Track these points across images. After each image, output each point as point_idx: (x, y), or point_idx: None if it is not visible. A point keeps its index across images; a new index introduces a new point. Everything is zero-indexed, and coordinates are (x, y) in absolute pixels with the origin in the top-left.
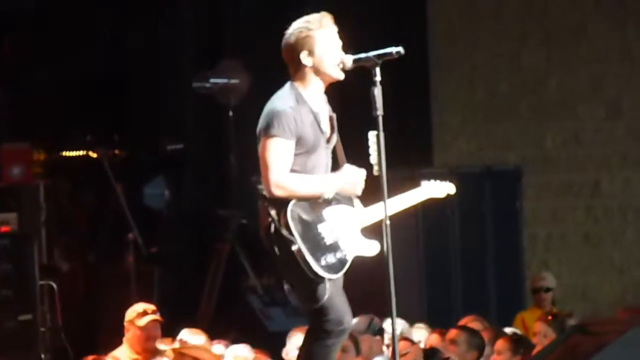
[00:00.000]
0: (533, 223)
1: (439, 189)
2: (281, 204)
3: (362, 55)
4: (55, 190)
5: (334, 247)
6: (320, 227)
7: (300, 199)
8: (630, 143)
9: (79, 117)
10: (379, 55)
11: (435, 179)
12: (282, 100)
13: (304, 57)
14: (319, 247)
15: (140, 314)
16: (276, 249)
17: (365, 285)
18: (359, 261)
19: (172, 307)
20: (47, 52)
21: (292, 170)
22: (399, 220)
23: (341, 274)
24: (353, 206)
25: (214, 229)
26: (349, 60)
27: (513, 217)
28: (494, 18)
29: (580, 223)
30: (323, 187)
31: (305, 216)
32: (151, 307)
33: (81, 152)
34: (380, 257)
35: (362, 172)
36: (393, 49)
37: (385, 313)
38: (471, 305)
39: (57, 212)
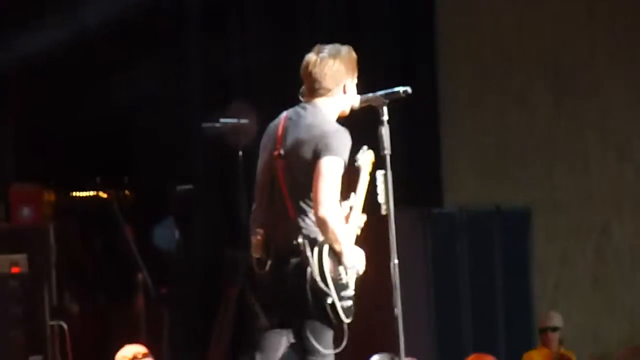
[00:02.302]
0: (543, 264)
1: (368, 160)
2: (317, 244)
3: (370, 94)
4: (65, 231)
5: (347, 286)
6: (340, 268)
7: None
8: None
9: (89, 158)
10: (386, 95)
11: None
12: (334, 123)
13: (349, 82)
14: (339, 291)
15: None
16: (307, 294)
17: (375, 323)
18: (368, 301)
19: (182, 348)
20: (57, 94)
21: None
22: (409, 259)
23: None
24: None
25: (224, 271)
26: (357, 99)
27: (523, 258)
28: (504, 59)
29: (590, 265)
30: (348, 250)
31: (332, 260)
32: (141, 350)
33: (91, 193)
34: (390, 295)
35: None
36: (401, 89)
37: (395, 351)
38: (480, 345)
39: (67, 253)
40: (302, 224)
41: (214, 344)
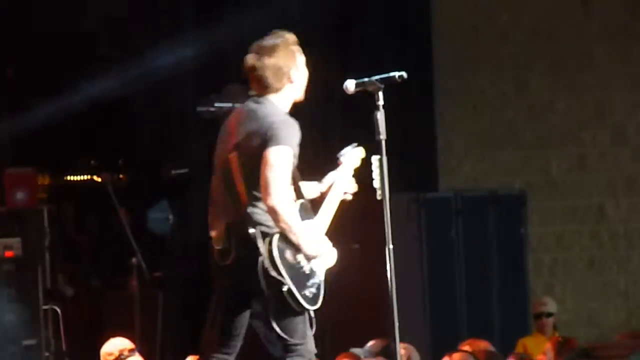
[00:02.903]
0: (538, 248)
1: (355, 157)
2: (268, 235)
3: (365, 79)
4: (60, 215)
5: (311, 275)
6: (299, 257)
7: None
8: (635, 168)
9: (83, 141)
10: (381, 80)
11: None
12: (282, 114)
13: (293, 71)
14: (301, 279)
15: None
16: (263, 285)
17: (370, 309)
18: (363, 285)
19: (176, 331)
20: (51, 79)
21: None
22: (403, 244)
23: (320, 301)
24: (313, 215)
25: None
26: (351, 84)
27: (518, 242)
28: (499, 44)
29: (585, 248)
30: (305, 238)
31: (287, 249)
32: (127, 346)
33: (85, 177)
34: (385, 281)
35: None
36: (396, 73)
37: (390, 337)
38: (475, 329)
39: (61, 237)
40: (255, 213)
41: (208, 327)
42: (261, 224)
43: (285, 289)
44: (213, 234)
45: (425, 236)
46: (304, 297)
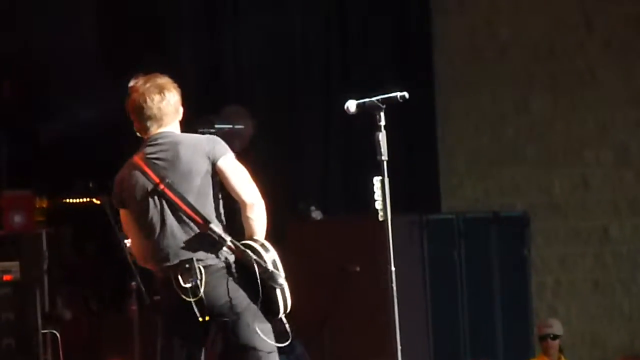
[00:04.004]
0: (541, 270)
1: None
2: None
3: (366, 100)
4: (58, 238)
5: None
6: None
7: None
8: (639, 189)
9: (82, 164)
10: (382, 100)
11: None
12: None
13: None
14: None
15: None
16: (252, 289)
17: (371, 330)
18: (365, 307)
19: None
20: (48, 99)
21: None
22: (405, 265)
23: None
24: None
25: None
26: (352, 104)
27: (521, 264)
28: (500, 64)
29: (589, 270)
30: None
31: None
32: None
33: (84, 199)
34: (387, 301)
35: None
36: (397, 94)
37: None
38: (478, 352)
39: (59, 260)
40: (216, 229)
41: (207, 348)
42: (225, 235)
43: (280, 281)
44: (166, 279)
45: (428, 258)
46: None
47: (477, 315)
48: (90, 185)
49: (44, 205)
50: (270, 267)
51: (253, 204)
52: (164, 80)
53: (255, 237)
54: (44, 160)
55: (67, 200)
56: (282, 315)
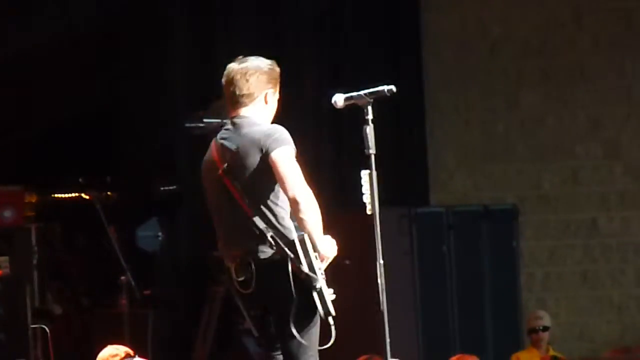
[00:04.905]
0: (530, 262)
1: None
2: (289, 238)
3: (354, 93)
4: (48, 233)
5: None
6: (314, 256)
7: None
8: (628, 182)
9: (71, 159)
10: (371, 93)
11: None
12: (269, 123)
13: (270, 94)
14: (321, 279)
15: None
16: (290, 287)
17: (360, 324)
18: (354, 301)
19: (167, 350)
20: (38, 94)
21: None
22: (394, 259)
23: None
24: None
25: (209, 271)
26: (340, 98)
27: (510, 257)
28: (490, 58)
29: (578, 262)
30: (321, 234)
31: (311, 250)
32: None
33: (73, 195)
34: (376, 297)
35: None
36: (385, 87)
37: (381, 352)
38: (468, 344)
39: (49, 255)
40: (269, 224)
41: (199, 344)
42: (278, 230)
43: (318, 286)
44: (232, 265)
45: (417, 251)
46: (328, 299)
47: (466, 308)
48: (80, 180)
49: (34, 201)
50: (306, 269)
51: (296, 201)
52: (255, 62)
53: (303, 234)
54: (35, 156)
55: (57, 196)
56: (323, 317)
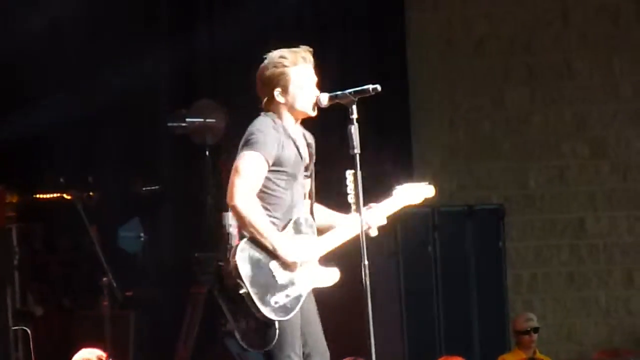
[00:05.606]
0: (517, 263)
1: (414, 194)
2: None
3: (339, 92)
4: (28, 233)
5: (286, 285)
6: (272, 265)
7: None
8: (615, 181)
9: (52, 158)
10: (355, 92)
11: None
12: (262, 124)
13: (277, 94)
14: (269, 288)
15: None
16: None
17: (345, 325)
18: (338, 302)
19: (149, 351)
20: (19, 93)
21: (270, 194)
22: (379, 259)
23: (293, 313)
24: (314, 234)
25: (191, 272)
26: (325, 97)
27: (496, 257)
28: (475, 56)
29: (565, 263)
30: (276, 240)
31: (257, 254)
32: (103, 354)
33: (54, 195)
34: (360, 296)
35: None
36: (370, 86)
37: (366, 354)
38: (453, 346)
39: (30, 256)
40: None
41: (181, 345)
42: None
43: (242, 291)
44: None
45: (402, 251)
46: (266, 303)
47: (452, 309)
48: (61, 180)
49: (15, 201)
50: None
51: (234, 211)
52: (261, 66)
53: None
54: (15, 155)
55: (38, 196)
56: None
